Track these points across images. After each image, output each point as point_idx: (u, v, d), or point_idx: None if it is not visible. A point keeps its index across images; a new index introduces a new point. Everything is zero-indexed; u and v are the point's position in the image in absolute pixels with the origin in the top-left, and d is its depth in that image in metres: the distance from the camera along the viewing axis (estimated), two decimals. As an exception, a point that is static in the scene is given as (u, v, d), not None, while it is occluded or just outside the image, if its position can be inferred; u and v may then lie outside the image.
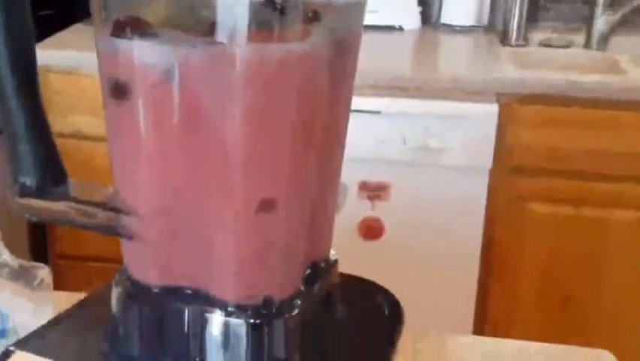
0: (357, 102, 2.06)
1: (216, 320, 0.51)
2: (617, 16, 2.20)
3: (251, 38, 0.45)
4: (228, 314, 0.51)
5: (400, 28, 2.26)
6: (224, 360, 0.51)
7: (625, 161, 1.91)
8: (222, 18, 0.46)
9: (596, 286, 1.99)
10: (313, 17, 0.47)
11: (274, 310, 0.51)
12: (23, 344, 0.56)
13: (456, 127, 1.89)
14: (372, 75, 1.92)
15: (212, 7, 0.46)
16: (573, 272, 1.99)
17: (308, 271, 0.55)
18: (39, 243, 2.04)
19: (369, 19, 2.24)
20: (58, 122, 1.92)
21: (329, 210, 0.56)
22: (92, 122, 1.92)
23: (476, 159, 1.91)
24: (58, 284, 0.75)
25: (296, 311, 0.52)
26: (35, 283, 0.71)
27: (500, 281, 2.01)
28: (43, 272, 0.71)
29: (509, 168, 1.93)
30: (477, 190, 1.94)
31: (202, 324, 0.51)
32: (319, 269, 0.56)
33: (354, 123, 2.02)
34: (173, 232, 0.51)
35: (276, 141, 0.48)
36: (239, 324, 0.51)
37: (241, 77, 0.46)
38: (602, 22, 2.21)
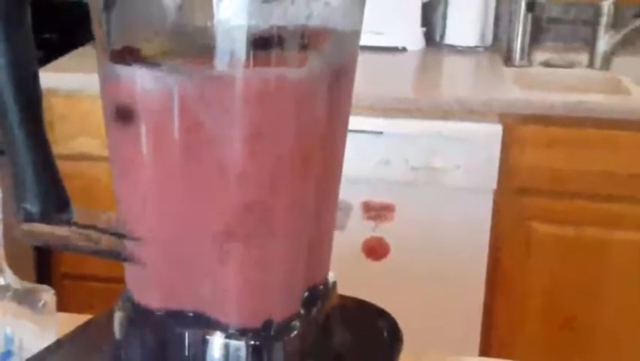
0: (360, 123, 2.07)
1: (217, 343, 0.52)
2: (619, 36, 2.21)
3: (249, 66, 0.47)
4: (229, 337, 0.52)
5: (404, 49, 2.28)
6: (225, 382, 0.52)
7: (628, 181, 1.91)
8: (221, 46, 0.47)
9: (598, 306, 1.99)
10: (309, 44, 0.48)
11: (273, 333, 0.52)
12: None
13: (459, 148, 1.90)
14: (375, 96, 1.93)
15: (211, 36, 0.47)
16: (576, 292, 1.99)
17: (306, 294, 0.55)
18: (44, 263, 2.06)
19: (373, 41, 2.26)
20: (62, 145, 1.94)
21: (327, 233, 0.57)
22: (96, 144, 1.94)
23: (480, 180, 1.92)
24: (62, 304, 0.76)
25: (295, 333, 0.53)
26: (39, 305, 0.72)
27: (506, 301, 2.01)
28: (47, 295, 0.72)
29: (513, 189, 1.94)
30: (481, 211, 1.94)
31: (203, 347, 0.52)
32: (318, 292, 0.57)
33: (357, 144, 2.03)
34: (174, 256, 0.52)
35: (275, 164, 0.49)
36: (239, 346, 0.52)
37: (239, 103, 0.47)
38: (604, 42, 2.22)
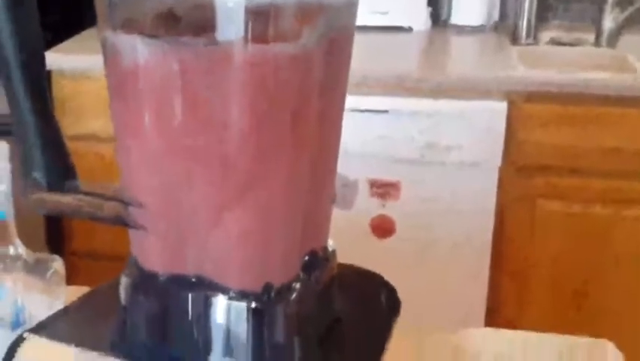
0: (366, 101, 2.08)
1: (219, 305, 0.54)
2: (625, 14, 2.21)
3: (246, 39, 0.48)
4: (231, 299, 0.54)
5: (410, 29, 2.28)
6: (227, 343, 0.54)
7: (634, 158, 1.92)
8: (220, 19, 0.48)
9: (605, 283, 2.01)
10: (305, 18, 0.49)
11: (274, 295, 0.54)
12: (36, 330, 0.59)
13: (465, 125, 1.91)
14: (381, 75, 1.94)
15: (210, 10, 0.49)
16: (583, 267, 2.01)
17: (306, 259, 0.57)
18: (54, 240, 2.09)
19: (379, 20, 2.27)
20: (66, 126, 1.96)
21: (325, 200, 0.58)
22: (100, 125, 1.96)
23: (485, 157, 1.93)
24: (71, 281, 0.78)
25: (294, 296, 0.55)
26: (48, 274, 0.74)
27: (512, 277, 2.03)
28: (57, 264, 0.74)
29: (518, 165, 1.95)
30: (487, 187, 1.96)
31: (206, 309, 0.54)
32: (317, 258, 0.59)
33: (363, 122, 2.04)
34: (177, 222, 0.54)
35: (273, 133, 0.51)
36: (241, 309, 0.54)
37: (238, 75, 0.49)
38: (610, 20, 2.22)
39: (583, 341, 1.00)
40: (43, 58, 0.53)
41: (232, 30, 0.49)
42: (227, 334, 0.54)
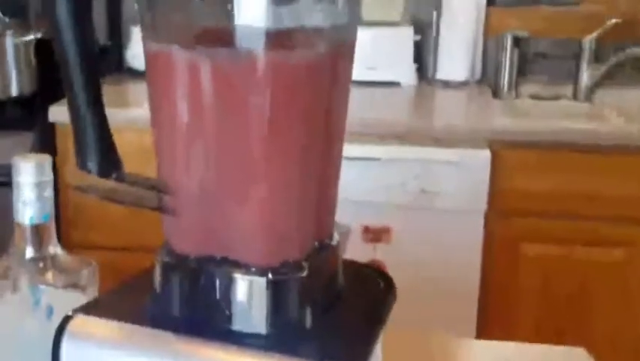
0: (358, 150, 2.18)
1: (242, 280, 0.63)
2: (601, 70, 2.35)
3: (267, 49, 0.59)
4: (251, 274, 0.63)
5: (398, 84, 2.41)
6: (249, 312, 0.63)
7: (611, 203, 2.03)
8: (241, 40, 0.59)
9: (586, 322, 2.09)
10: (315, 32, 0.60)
11: (288, 271, 0.63)
12: (80, 309, 0.67)
13: (451, 173, 2.02)
14: (372, 125, 2.06)
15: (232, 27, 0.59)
16: (566, 308, 2.09)
17: (316, 244, 0.67)
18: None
19: (369, 76, 2.38)
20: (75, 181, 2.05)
21: (332, 193, 0.68)
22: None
23: (472, 203, 2.04)
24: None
25: (306, 273, 0.64)
26: (82, 277, 0.82)
27: (498, 318, 2.11)
28: (90, 267, 0.82)
29: (503, 211, 2.05)
30: (474, 232, 2.05)
31: (230, 284, 0.63)
32: (325, 244, 0.68)
33: (355, 170, 2.15)
34: (205, 209, 0.63)
35: (290, 128, 0.60)
36: (260, 282, 0.63)
37: (260, 78, 0.59)
38: (586, 76, 2.36)
39: (558, 350, 1.09)
40: (97, 56, 0.62)
41: (254, 41, 0.59)
42: (249, 303, 0.63)
